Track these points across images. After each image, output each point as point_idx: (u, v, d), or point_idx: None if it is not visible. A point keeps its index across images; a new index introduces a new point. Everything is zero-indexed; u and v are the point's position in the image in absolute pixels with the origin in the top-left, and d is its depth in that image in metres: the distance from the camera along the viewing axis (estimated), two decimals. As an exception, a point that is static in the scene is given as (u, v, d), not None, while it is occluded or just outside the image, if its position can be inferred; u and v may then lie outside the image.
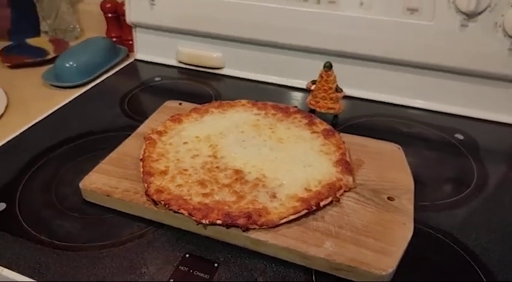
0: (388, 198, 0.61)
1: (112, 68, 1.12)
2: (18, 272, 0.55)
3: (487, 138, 0.82)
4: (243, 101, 0.83)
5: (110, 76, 1.08)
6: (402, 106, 0.93)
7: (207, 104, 0.82)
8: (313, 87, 0.82)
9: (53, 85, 1.04)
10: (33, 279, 0.54)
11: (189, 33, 1.07)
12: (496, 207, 0.66)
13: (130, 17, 1.10)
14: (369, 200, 0.61)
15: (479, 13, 0.79)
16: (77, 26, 1.33)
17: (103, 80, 1.06)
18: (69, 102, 0.95)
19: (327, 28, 0.92)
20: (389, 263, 0.51)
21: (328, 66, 0.78)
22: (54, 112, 0.91)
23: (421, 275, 0.55)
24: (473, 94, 0.87)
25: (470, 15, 0.80)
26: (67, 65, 1.04)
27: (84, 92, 1.00)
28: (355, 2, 0.88)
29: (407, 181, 0.65)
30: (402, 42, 0.87)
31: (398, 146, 0.72)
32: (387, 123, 0.87)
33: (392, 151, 0.72)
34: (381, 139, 0.74)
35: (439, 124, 0.86)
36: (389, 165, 0.68)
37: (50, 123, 0.88)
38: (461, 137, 0.82)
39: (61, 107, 0.93)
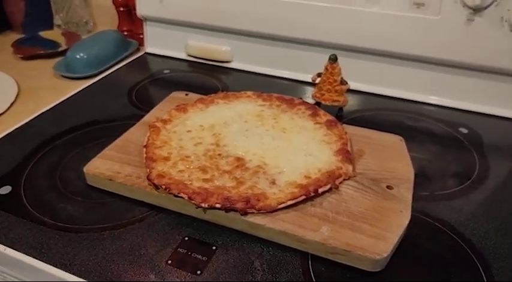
0: (387, 187, 0.62)
1: (122, 60, 1.14)
2: (20, 252, 0.56)
3: (491, 133, 0.82)
4: (249, 93, 0.83)
5: (120, 68, 1.10)
6: (407, 100, 0.93)
7: (213, 94, 0.83)
8: (318, 80, 0.83)
9: (63, 76, 1.06)
10: (35, 258, 0.55)
11: (198, 26, 1.08)
12: (495, 199, 0.66)
13: (141, 10, 1.11)
14: (368, 188, 0.61)
15: (485, 8, 0.79)
16: (90, 19, 1.35)
17: (112, 72, 1.07)
18: (78, 92, 0.97)
19: (334, 22, 0.92)
20: (384, 248, 0.51)
21: (333, 59, 0.79)
22: (63, 101, 0.93)
23: (417, 261, 0.55)
24: (479, 89, 0.87)
25: (476, 10, 0.80)
26: (78, 57, 1.06)
27: (94, 82, 1.01)
28: (362, -4, 0.88)
29: (407, 171, 0.65)
30: (408, 37, 0.87)
31: (401, 138, 0.73)
32: (392, 116, 0.87)
33: (394, 142, 0.72)
34: (385, 132, 0.75)
35: (444, 118, 0.86)
36: (390, 156, 0.69)
37: (59, 112, 0.89)
38: (465, 131, 0.82)
39: (70, 97, 0.94)
